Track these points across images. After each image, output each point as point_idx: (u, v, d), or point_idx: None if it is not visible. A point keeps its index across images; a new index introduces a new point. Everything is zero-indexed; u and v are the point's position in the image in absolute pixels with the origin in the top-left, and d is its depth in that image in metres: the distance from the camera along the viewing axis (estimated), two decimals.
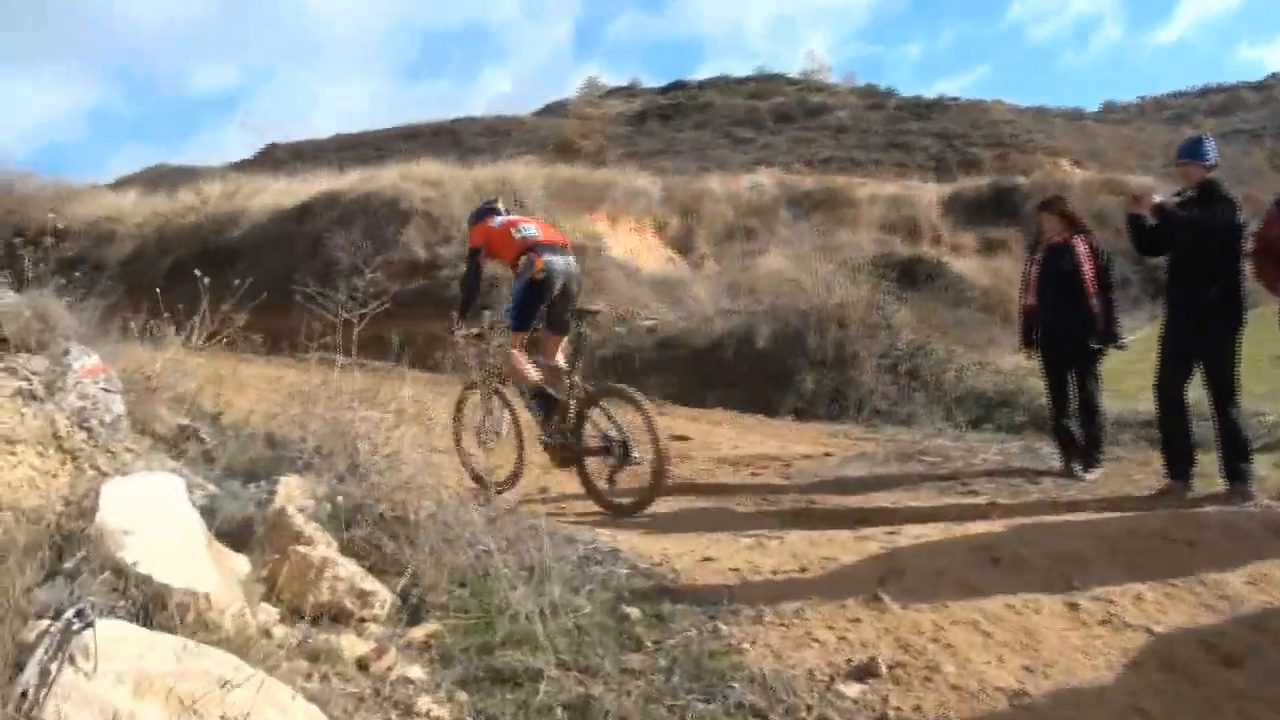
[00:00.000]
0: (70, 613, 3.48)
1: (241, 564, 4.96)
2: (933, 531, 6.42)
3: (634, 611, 5.03)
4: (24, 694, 3.18)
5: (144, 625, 3.67)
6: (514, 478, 8.50)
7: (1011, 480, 8.65)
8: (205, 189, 24.80)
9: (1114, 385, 9.28)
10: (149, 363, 8.31)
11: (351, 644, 4.59)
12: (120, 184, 36.95)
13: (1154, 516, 6.75)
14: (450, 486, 6.37)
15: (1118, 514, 6.98)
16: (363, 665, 4.46)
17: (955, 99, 54.03)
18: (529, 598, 4.87)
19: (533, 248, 8.29)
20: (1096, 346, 8.70)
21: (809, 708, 4.18)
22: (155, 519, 4.34)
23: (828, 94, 55.57)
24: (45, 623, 3.47)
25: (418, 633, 4.84)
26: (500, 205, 9.29)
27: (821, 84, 59.65)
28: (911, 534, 6.34)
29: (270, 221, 21.92)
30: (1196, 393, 7.82)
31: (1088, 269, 8.65)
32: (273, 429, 7.28)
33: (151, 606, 3.86)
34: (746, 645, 4.67)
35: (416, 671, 4.44)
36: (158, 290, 7.88)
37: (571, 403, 8.17)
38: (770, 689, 4.27)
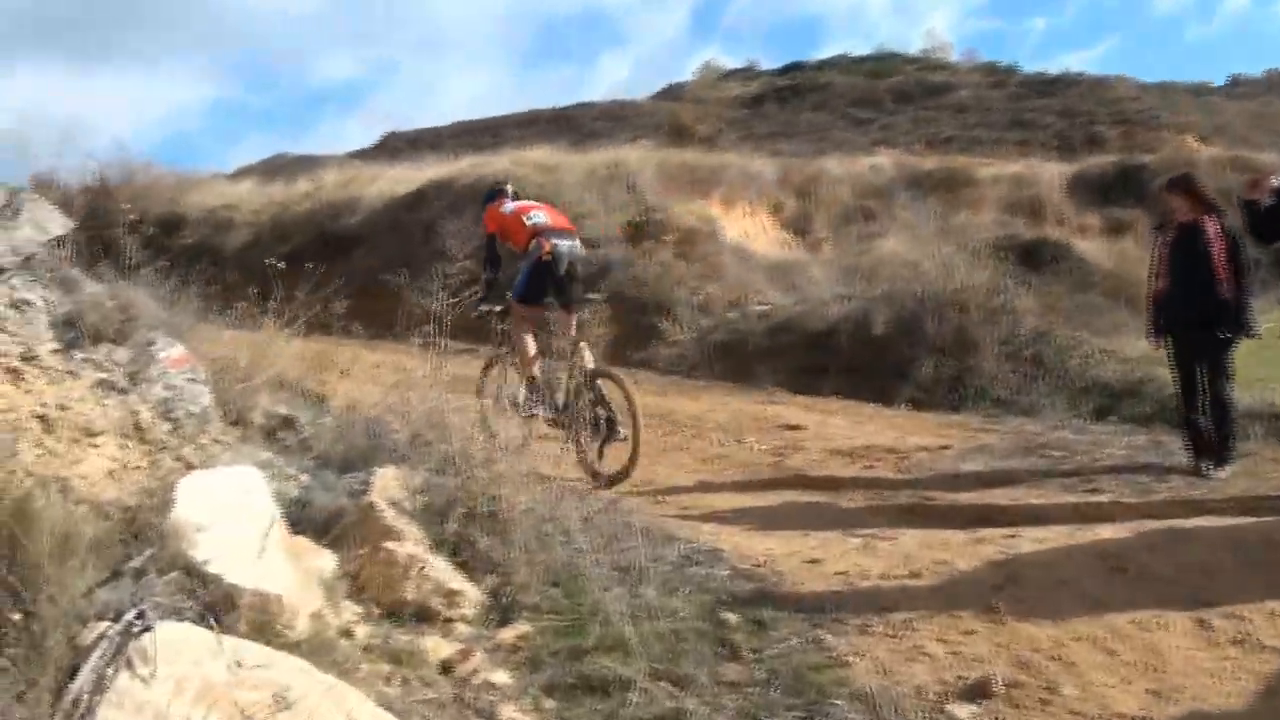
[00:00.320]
0: (131, 614, 3.33)
1: (327, 560, 4.81)
2: (1054, 535, 6.04)
3: (732, 617, 4.76)
4: (75, 701, 3.04)
5: (211, 628, 3.52)
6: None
7: (1138, 478, 8.12)
8: (321, 177, 24.94)
9: (1243, 374, 8.75)
10: (251, 349, 8.28)
11: (436, 645, 4.41)
12: (240, 173, 37.47)
13: None
14: (548, 477, 6.11)
15: (1253, 519, 6.49)
16: (446, 668, 4.28)
17: (1079, 75, 52.53)
18: (623, 600, 4.64)
19: (541, 232, 8.71)
20: (1227, 336, 8.21)
21: None
22: (232, 515, 4.19)
23: (948, 72, 54.26)
24: (104, 625, 3.32)
25: (507, 634, 4.64)
26: (509, 189, 9.75)
27: (942, 62, 58.32)
28: (1031, 537, 5.96)
29: (385, 208, 21.91)
30: None
31: (1218, 251, 8.16)
32: (372, 417, 7.10)
33: (220, 608, 3.70)
34: (852, 658, 4.36)
35: (502, 676, 4.23)
36: (271, 275, 7.74)
37: (572, 382, 8.60)
38: (876, 707, 3.96)
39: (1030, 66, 57.57)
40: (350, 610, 4.52)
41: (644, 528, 5.90)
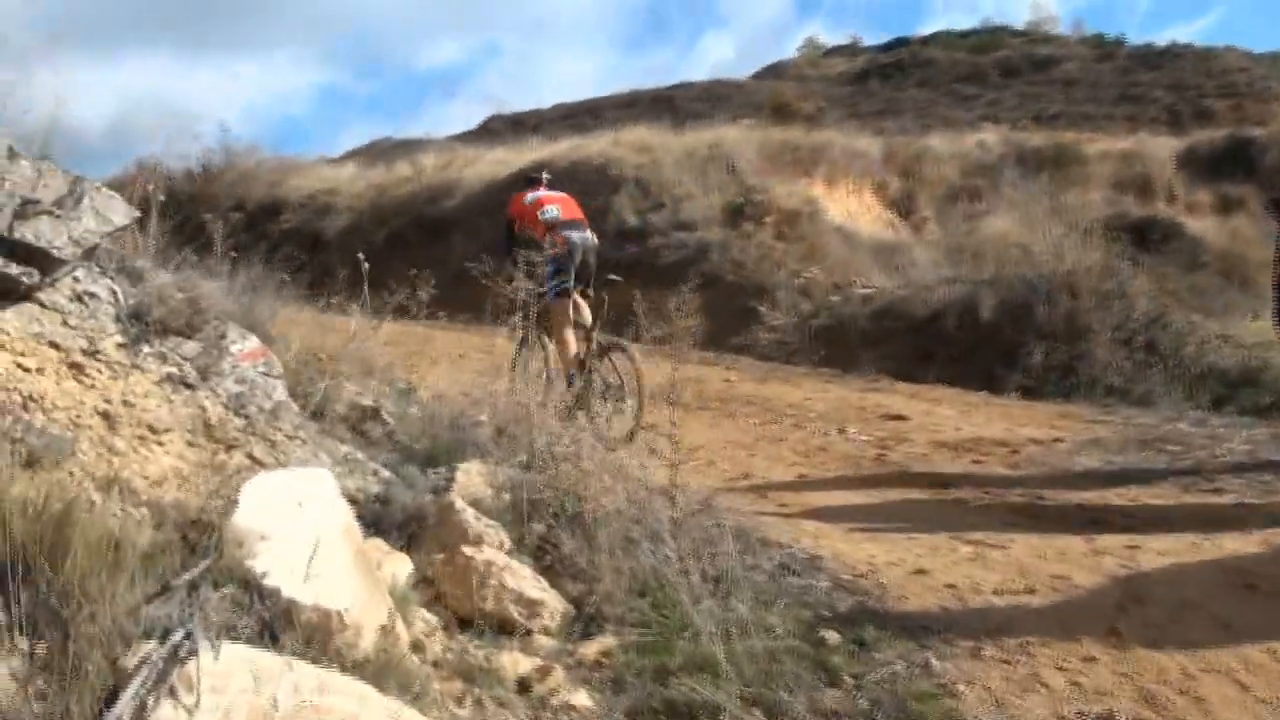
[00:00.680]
0: (179, 635, 3.09)
1: (401, 566, 4.59)
2: (1176, 545, 5.61)
3: (832, 636, 4.43)
4: None
5: (268, 647, 3.29)
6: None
7: (1261, 476, 7.57)
8: (421, 160, 24.91)
9: None
10: (340, 335, 8.16)
11: (515, 661, 4.15)
12: (343, 158, 37.68)
13: None
14: (638, 474, 5.87)
15: None
16: (524, 687, 4.01)
17: (1187, 46, 51.05)
18: (713, 614, 4.36)
19: (554, 227, 9.28)
20: None
21: None
22: (299, 520, 3.96)
23: (1055, 45, 52.88)
24: (150, 645, 3.09)
25: (589, 649, 4.37)
26: (544, 176, 10.39)
27: (1048, 35, 56.93)
28: (1154, 549, 5.53)
29: (483, 191, 21.77)
30: None
31: None
32: (458, 408, 6.90)
33: (277, 625, 3.48)
34: (962, 687, 4.00)
35: (582, 698, 3.96)
36: (364, 262, 7.63)
37: (588, 357, 9.16)
38: None
39: (1138, 38, 56.27)
40: (423, 621, 4.30)
41: (738, 530, 5.61)
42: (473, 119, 55.75)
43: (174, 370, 5.13)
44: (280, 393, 5.61)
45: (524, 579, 4.65)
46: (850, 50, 62.09)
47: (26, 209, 4.87)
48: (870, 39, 65.15)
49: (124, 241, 7.64)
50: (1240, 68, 45.83)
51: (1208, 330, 12.22)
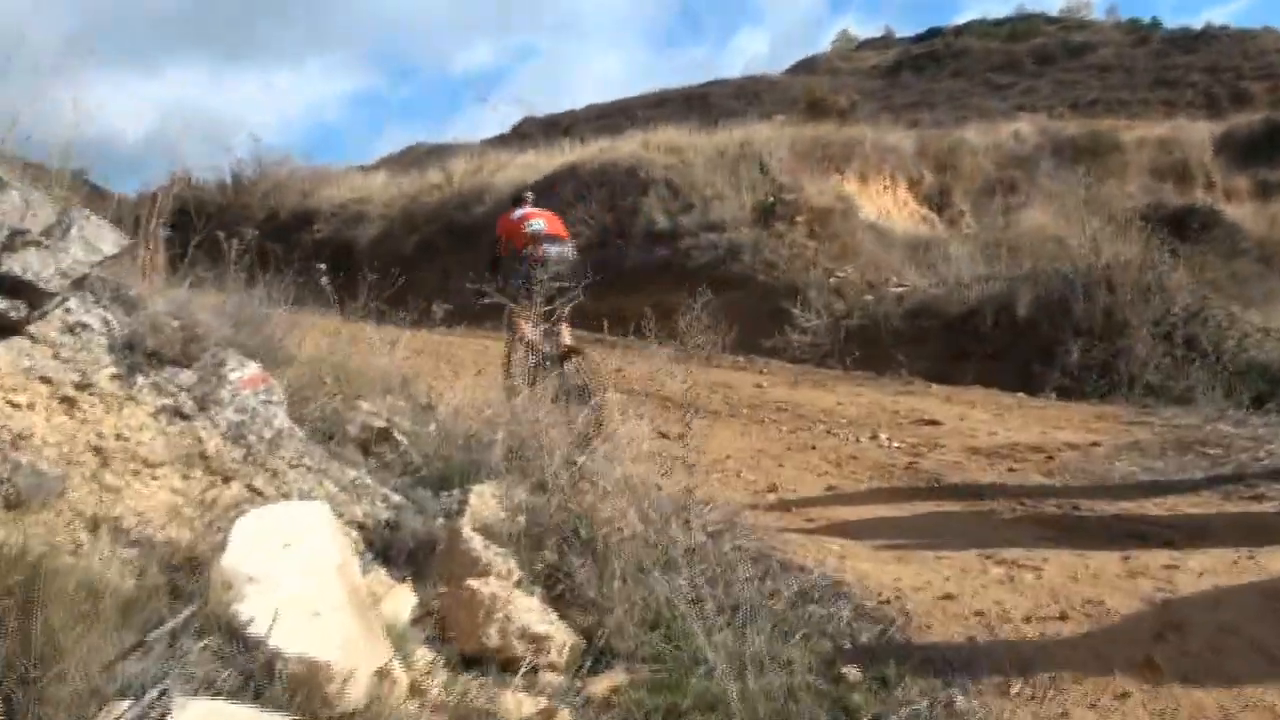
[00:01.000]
0: (153, 693, 2.93)
1: (404, 601, 4.41)
2: (1216, 563, 5.32)
3: (852, 672, 4.19)
4: None
5: (252, 701, 3.14)
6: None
7: None
8: (450, 167, 24.79)
9: None
10: (361, 349, 8.03)
11: (518, 703, 3.93)
12: (379, 164, 37.68)
13: None
14: (657, 491, 5.67)
15: None
16: None
17: (1223, 28, 50.49)
18: (729, 648, 4.13)
19: (536, 239, 9.77)
20: None
21: None
22: (290, 560, 3.78)
23: (1089, 31, 52.44)
24: (124, 705, 2.92)
25: (598, 686, 4.15)
26: (529, 196, 11.10)
27: (1083, 21, 56.40)
28: (1192, 568, 5.26)
29: (513, 196, 21.66)
30: None
31: None
32: (475, 426, 6.71)
33: (260, 677, 3.31)
34: None
35: None
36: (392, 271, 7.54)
37: (552, 362, 9.45)
38: None
39: (1173, 21, 55.65)
40: (425, 660, 4.10)
41: (758, 553, 5.40)
42: (506, 122, 55.73)
43: (169, 401, 4.97)
44: (281, 420, 5.42)
45: (531, 612, 4.44)
46: (883, 42, 61.84)
47: (14, 240, 4.72)
48: (904, 30, 64.80)
49: (132, 262, 7.54)
50: (1278, 49, 45.21)
51: (1248, 323, 11.89)
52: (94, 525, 4.07)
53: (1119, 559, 5.54)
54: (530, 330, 9.59)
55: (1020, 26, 55.11)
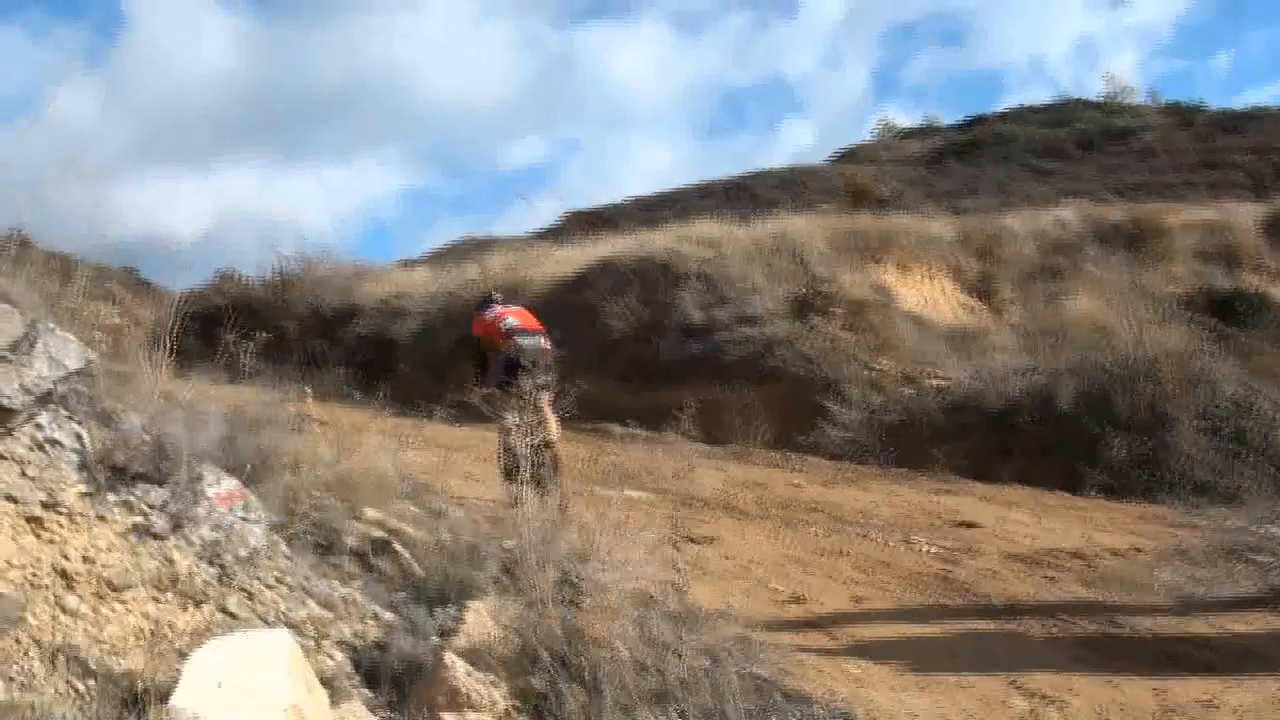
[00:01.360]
0: None
1: None
2: (1259, 700, 4.93)
3: None
4: None
5: None
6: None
7: None
8: (487, 262, 24.65)
9: None
10: (369, 451, 7.80)
11: None
12: (428, 259, 37.76)
13: None
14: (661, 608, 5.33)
15: None
16: None
17: (1267, 108, 49.99)
18: None
19: (511, 334, 10.37)
20: None
21: None
22: (242, 701, 3.50)
23: (1132, 115, 51.97)
24: None
25: None
26: (497, 296, 11.68)
27: (1125, 105, 56.00)
28: (1230, 705, 4.88)
29: (550, 291, 21.46)
30: None
31: None
32: (482, 533, 6.42)
33: None
34: None
35: None
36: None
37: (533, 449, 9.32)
38: None
39: (1217, 104, 55.25)
40: None
41: (765, 681, 5.03)
42: (551, 215, 55.97)
43: (140, 520, 4.71)
44: (259, 537, 5.13)
45: None
46: (926, 130, 61.66)
47: None
48: (946, 118, 64.73)
49: (149, 361, 7.36)
50: None
51: None
52: (51, 656, 3.83)
53: (1152, 692, 5.12)
54: (513, 422, 9.79)
55: (1062, 112, 54.84)
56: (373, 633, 5.01)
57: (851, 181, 37.56)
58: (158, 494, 4.88)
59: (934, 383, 14.67)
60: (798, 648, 6.17)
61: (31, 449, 4.71)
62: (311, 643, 4.71)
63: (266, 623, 4.65)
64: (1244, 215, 26.01)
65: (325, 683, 4.41)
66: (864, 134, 75.94)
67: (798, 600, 7.55)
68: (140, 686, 3.76)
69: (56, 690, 3.59)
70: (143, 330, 11.50)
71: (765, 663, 5.50)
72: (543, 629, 4.89)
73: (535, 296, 21.39)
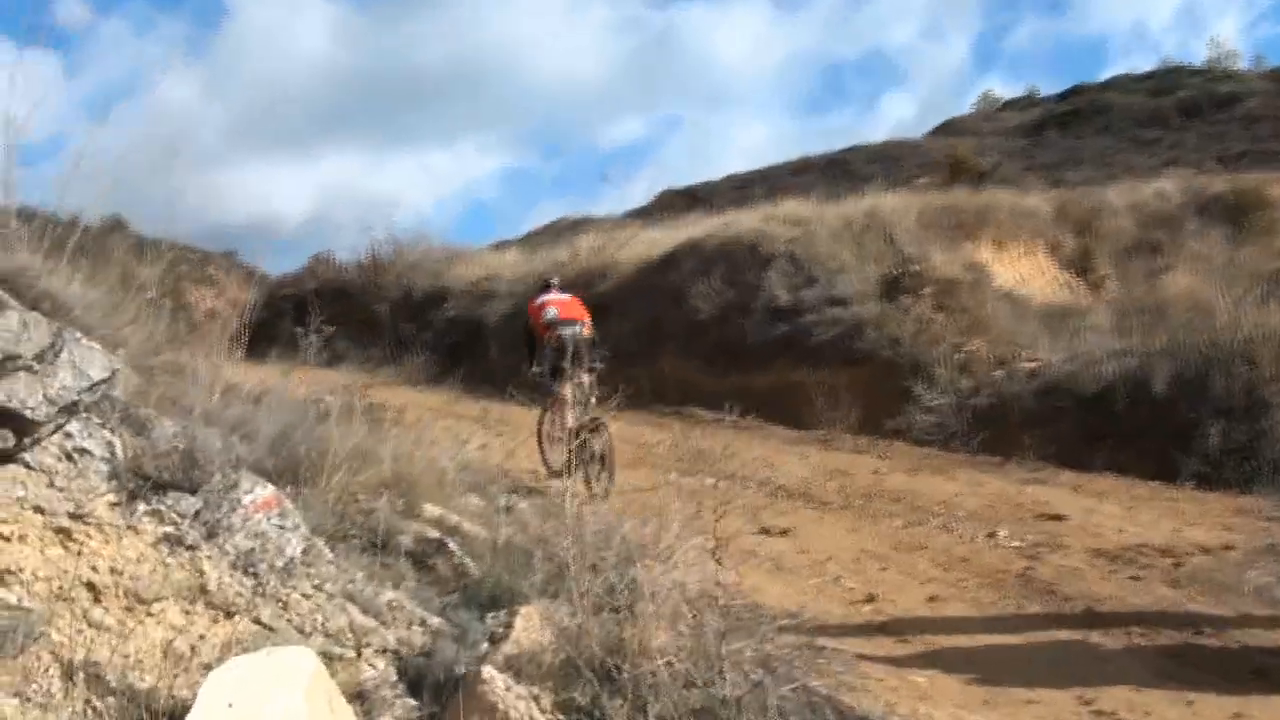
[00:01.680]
0: None
1: None
2: None
3: None
4: None
5: None
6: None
7: None
8: (576, 244, 24.52)
9: None
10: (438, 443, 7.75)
11: None
12: (525, 239, 37.81)
13: None
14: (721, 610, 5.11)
15: None
16: None
17: None
18: None
19: (552, 326, 11.34)
20: None
21: None
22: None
23: (1236, 82, 50.44)
24: None
25: None
26: (554, 282, 12.61)
27: (1229, 71, 54.35)
28: None
29: (636, 273, 21.27)
30: None
31: None
32: (534, 534, 6.27)
33: None
34: None
35: None
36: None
37: (581, 430, 10.80)
38: None
39: None
40: None
41: (819, 698, 4.80)
42: (648, 195, 55.78)
43: (171, 530, 4.59)
44: (295, 546, 4.99)
45: None
46: (1026, 101, 60.53)
47: (5, 365, 4.42)
48: (1048, 88, 63.42)
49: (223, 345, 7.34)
50: None
51: None
52: (71, 672, 3.71)
53: (1235, 708, 4.82)
54: (571, 418, 11.13)
55: (1164, 80, 53.36)
56: (419, 639, 4.86)
57: (950, 155, 36.88)
58: (189, 503, 4.76)
59: (1026, 365, 14.22)
60: (864, 655, 5.95)
61: (60, 459, 4.62)
62: (351, 651, 4.57)
63: (302, 633, 4.53)
64: None
65: (363, 694, 4.28)
66: (965, 106, 74.87)
67: (870, 600, 7.32)
68: (161, 705, 3.66)
69: (74, 709, 3.47)
70: (238, 314, 11.65)
71: (825, 673, 5.29)
72: (586, 638, 4.70)
73: (622, 278, 21.29)
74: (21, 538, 4.14)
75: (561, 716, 4.34)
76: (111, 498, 4.55)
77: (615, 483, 10.45)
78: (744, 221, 20.83)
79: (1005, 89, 70.42)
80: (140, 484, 4.68)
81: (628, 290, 20.91)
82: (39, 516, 4.29)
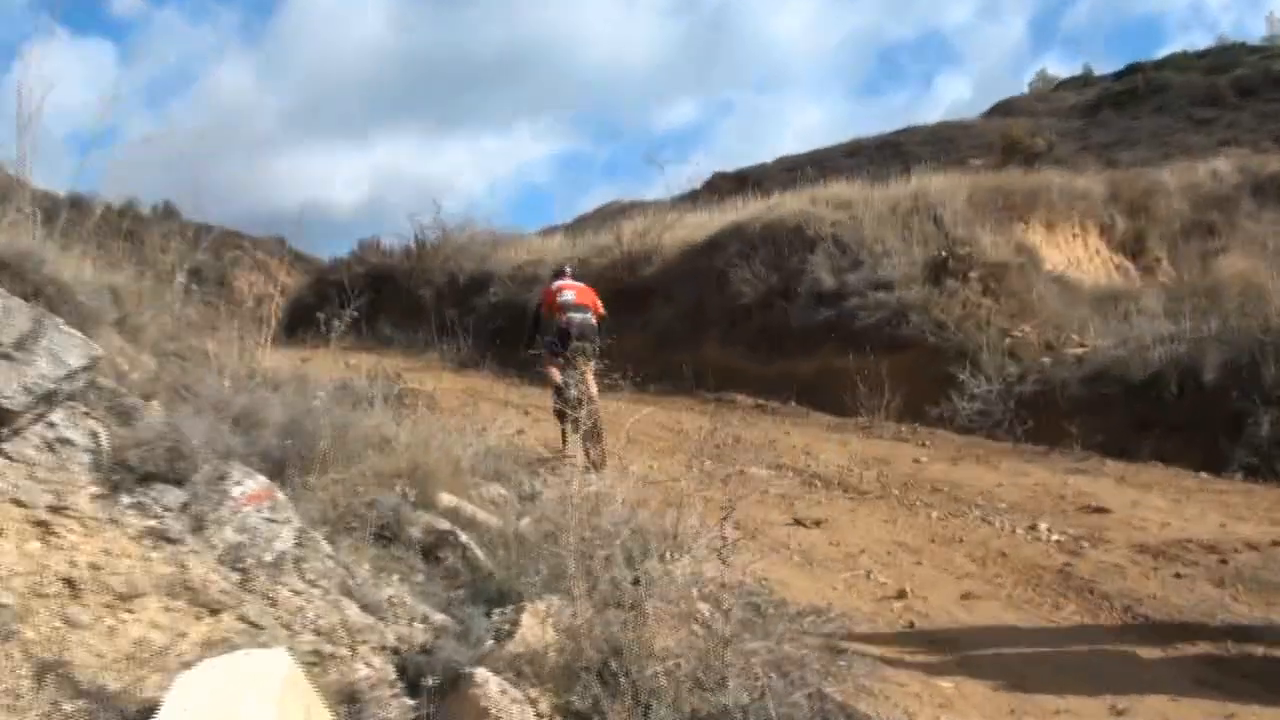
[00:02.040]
0: None
1: None
2: None
3: None
4: None
5: None
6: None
7: None
8: (621, 228, 24.27)
9: None
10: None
11: None
12: (571, 224, 37.68)
13: None
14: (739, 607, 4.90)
15: None
16: None
17: None
18: None
19: (564, 308, 12.20)
20: None
21: None
22: None
23: None
24: None
25: None
26: (568, 270, 13.60)
27: None
28: None
29: (680, 257, 21.03)
30: None
31: None
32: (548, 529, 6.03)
33: None
34: None
35: None
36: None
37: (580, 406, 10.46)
38: None
39: None
40: None
41: (834, 705, 4.58)
42: (698, 179, 55.63)
43: (154, 523, 4.41)
44: (285, 541, 4.78)
45: None
46: (1082, 81, 59.66)
47: None
48: (1104, 68, 62.48)
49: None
50: None
51: None
52: (41, 673, 3.56)
53: None
54: (557, 375, 11.82)
55: (1221, 58, 52.34)
56: (420, 636, 4.67)
57: (1005, 136, 36.35)
58: (174, 495, 4.56)
59: (1074, 351, 13.88)
60: (888, 657, 5.72)
61: (41, 450, 4.44)
62: (345, 650, 4.39)
63: (290, 630, 4.34)
64: None
65: (354, 695, 4.11)
66: (1021, 86, 73.88)
67: (901, 596, 7.07)
68: (133, 708, 3.50)
69: (40, 712, 3.31)
70: (276, 299, 11.66)
71: (843, 677, 5.07)
72: (589, 637, 4.49)
73: (666, 262, 21.05)
74: None
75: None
76: (94, 490, 4.37)
77: (605, 450, 10.94)
78: (789, 204, 20.52)
79: (1061, 68, 69.24)
80: (125, 476, 4.50)
81: (672, 275, 20.70)
82: (18, 509, 4.13)
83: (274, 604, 4.44)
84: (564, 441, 11.88)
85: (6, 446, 4.32)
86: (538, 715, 4.12)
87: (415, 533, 5.90)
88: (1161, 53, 62.02)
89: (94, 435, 4.59)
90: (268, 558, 4.62)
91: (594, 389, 11.64)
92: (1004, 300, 15.60)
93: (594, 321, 12.43)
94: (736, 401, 16.20)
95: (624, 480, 6.45)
